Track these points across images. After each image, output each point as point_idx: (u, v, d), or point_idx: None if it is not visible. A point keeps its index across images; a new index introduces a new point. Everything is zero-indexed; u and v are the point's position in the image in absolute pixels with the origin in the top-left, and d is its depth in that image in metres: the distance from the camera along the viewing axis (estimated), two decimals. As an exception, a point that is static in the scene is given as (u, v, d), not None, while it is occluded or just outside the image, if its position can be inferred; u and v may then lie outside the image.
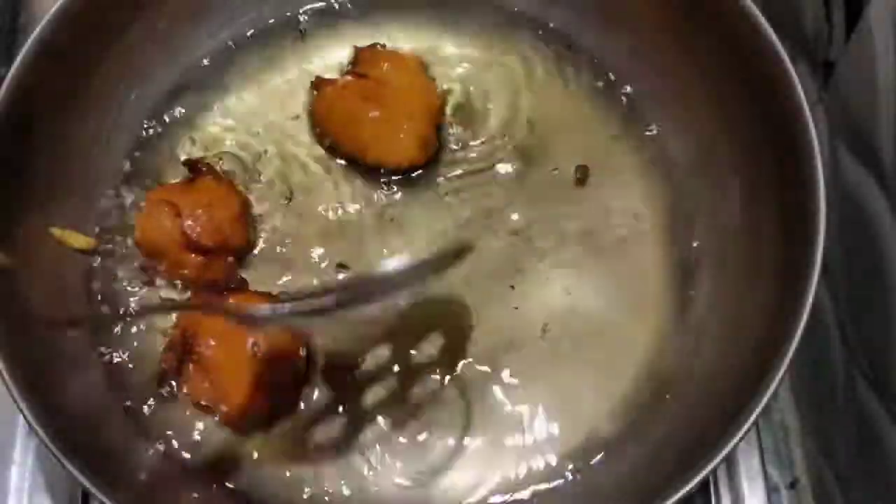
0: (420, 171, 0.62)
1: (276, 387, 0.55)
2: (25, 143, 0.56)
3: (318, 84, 0.63)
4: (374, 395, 0.58)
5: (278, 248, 0.61)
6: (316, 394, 0.58)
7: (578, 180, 0.62)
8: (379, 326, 0.59)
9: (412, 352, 0.59)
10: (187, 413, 0.56)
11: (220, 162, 0.62)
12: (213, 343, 0.55)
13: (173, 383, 0.56)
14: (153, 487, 0.54)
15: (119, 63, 0.62)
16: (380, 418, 0.57)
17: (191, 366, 0.55)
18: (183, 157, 0.62)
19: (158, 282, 0.60)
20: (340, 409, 0.57)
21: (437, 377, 0.58)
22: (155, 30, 0.63)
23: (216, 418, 0.56)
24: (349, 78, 0.62)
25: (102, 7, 0.59)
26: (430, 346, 0.59)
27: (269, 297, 0.58)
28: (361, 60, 0.63)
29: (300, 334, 0.57)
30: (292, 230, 0.62)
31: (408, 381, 0.58)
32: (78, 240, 0.59)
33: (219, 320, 0.54)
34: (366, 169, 0.62)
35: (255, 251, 0.61)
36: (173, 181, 0.62)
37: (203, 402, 0.56)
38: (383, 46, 0.63)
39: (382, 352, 0.58)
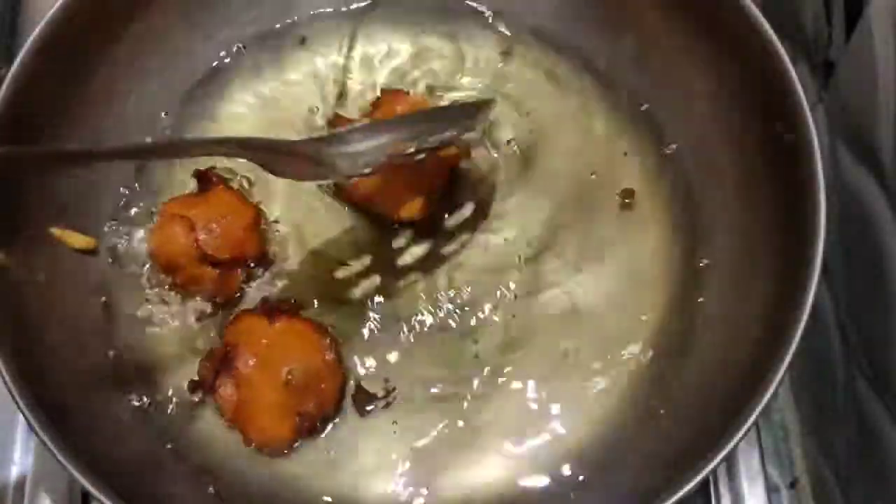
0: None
1: (302, 416, 0.55)
2: (25, 143, 0.56)
3: (335, 121, 0.62)
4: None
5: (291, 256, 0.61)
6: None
7: (625, 204, 0.62)
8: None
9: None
10: (203, 423, 0.57)
11: (238, 178, 0.62)
12: (251, 362, 0.55)
13: (202, 392, 0.57)
14: (154, 487, 0.54)
15: (119, 63, 0.62)
16: (379, 419, 0.57)
17: (226, 380, 0.55)
18: (193, 169, 0.61)
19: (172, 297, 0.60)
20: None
21: (435, 376, 0.58)
22: (155, 30, 0.63)
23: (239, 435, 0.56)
24: (366, 120, 0.61)
25: (102, 7, 0.59)
26: (427, 346, 0.59)
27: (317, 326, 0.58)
28: (383, 102, 0.61)
29: (337, 367, 0.57)
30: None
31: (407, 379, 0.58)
32: (78, 240, 0.59)
33: (262, 339, 0.55)
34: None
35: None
36: (186, 192, 0.61)
37: (229, 419, 0.56)
38: (408, 93, 0.62)
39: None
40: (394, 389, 0.57)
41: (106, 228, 0.61)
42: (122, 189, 0.62)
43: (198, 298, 0.59)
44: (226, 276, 0.58)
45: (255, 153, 0.52)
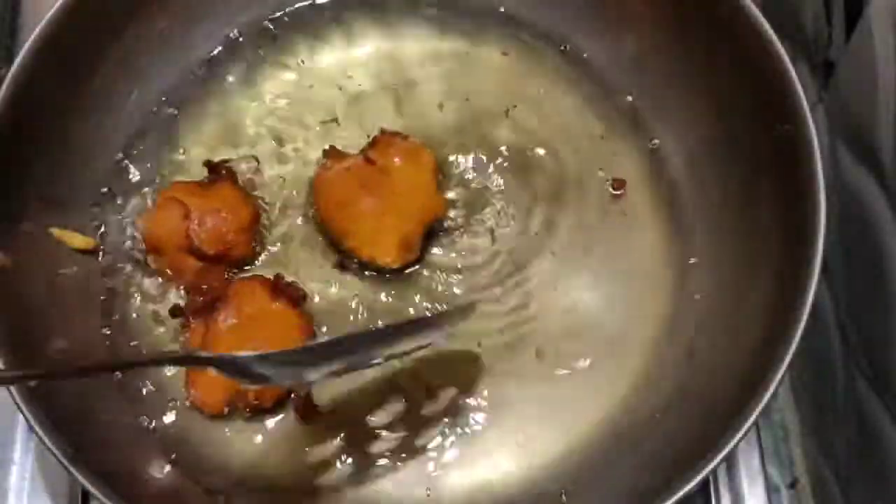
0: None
1: (238, 396, 0.55)
2: (25, 143, 0.57)
3: (330, 154, 0.61)
4: (371, 396, 0.58)
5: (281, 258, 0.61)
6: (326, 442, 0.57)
7: (614, 196, 0.62)
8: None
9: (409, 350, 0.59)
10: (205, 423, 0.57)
11: (255, 165, 0.62)
12: (229, 322, 0.56)
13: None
14: (154, 487, 0.54)
15: (119, 63, 0.62)
16: (380, 419, 0.57)
17: (199, 322, 0.56)
18: (204, 159, 0.61)
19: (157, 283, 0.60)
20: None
21: (435, 377, 0.58)
22: (155, 30, 0.63)
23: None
24: (358, 159, 0.60)
25: (102, 7, 0.59)
26: (428, 348, 0.59)
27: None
28: (377, 143, 0.60)
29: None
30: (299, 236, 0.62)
31: (405, 381, 0.58)
32: (77, 240, 0.59)
33: (254, 308, 0.56)
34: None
35: (258, 261, 0.61)
36: (194, 180, 0.61)
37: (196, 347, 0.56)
38: (405, 138, 0.61)
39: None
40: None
41: (107, 231, 0.61)
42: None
43: (181, 291, 0.59)
44: (208, 271, 0.58)
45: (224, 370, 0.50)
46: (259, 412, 0.56)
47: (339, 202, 0.59)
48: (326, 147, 0.61)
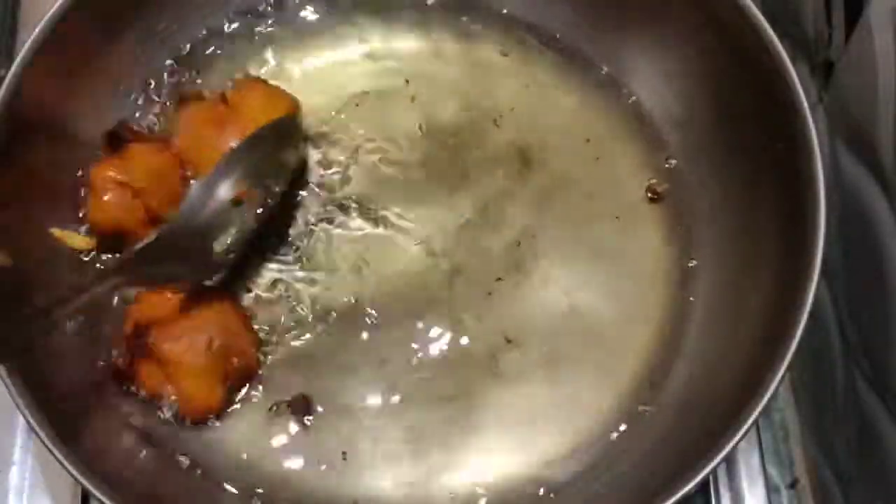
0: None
1: (230, 375, 0.56)
2: (25, 144, 0.56)
3: (191, 96, 0.61)
4: (371, 395, 0.58)
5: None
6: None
7: (651, 199, 0.62)
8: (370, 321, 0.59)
9: (409, 347, 0.59)
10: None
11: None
12: (167, 337, 0.54)
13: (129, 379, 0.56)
14: (154, 487, 0.54)
15: (119, 63, 0.62)
16: (379, 418, 0.57)
17: (145, 361, 0.55)
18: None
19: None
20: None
21: (435, 377, 0.58)
22: (155, 30, 0.63)
23: (170, 405, 0.55)
24: (216, 99, 0.60)
25: (102, 7, 0.59)
26: (427, 346, 0.59)
27: None
28: (237, 85, 0.61)
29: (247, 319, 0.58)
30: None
31: (404, 380, 0.58)
32: (77, 240, 0.59)
33: (170, 313, 0.55)
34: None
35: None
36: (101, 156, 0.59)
37: (158, 395, 0.55)
38: (266, 83, 0.62)
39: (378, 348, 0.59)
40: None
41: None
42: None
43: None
44: None
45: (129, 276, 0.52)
46: (245, 380, 0.57)
47: (195, 137, 0.60)
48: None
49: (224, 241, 0.56)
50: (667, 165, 0.63)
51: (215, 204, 0.56)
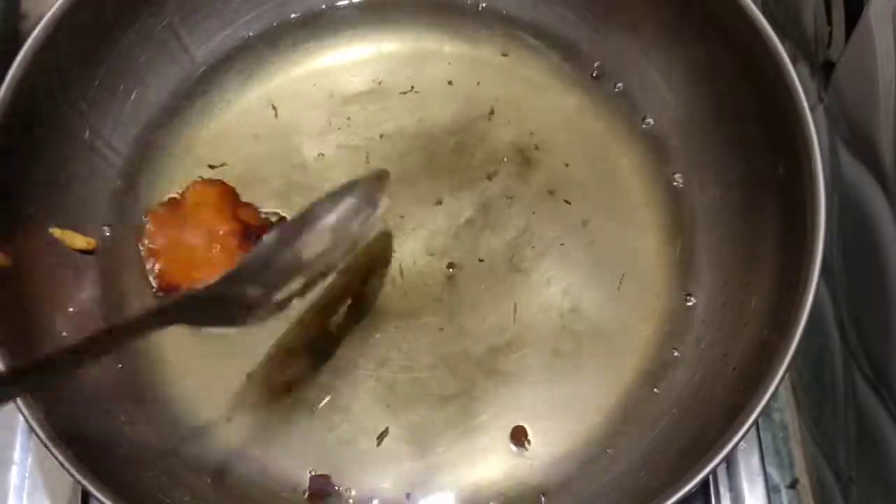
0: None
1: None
2: (25, 144, 0.56)
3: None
4: (371, 394, 0.58)
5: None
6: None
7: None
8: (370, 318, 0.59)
9: (407, 348, 0.59)
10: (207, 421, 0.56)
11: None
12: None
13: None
14: (154, 487, 0.54)
15: (119, 63, 0.62)
16: (379, 417, 0.57)
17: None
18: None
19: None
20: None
21: (435, 377, 0.58)
22: (155, 30, 0.63)
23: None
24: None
25: (102, 7, 0.59)
26: (428, 346, 0.59)
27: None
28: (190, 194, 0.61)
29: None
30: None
31: (403, 380, 0.58)
32: (78, 240, 0.59)
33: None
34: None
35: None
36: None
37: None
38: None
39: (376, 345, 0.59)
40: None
41: (107, 232, 0.61)
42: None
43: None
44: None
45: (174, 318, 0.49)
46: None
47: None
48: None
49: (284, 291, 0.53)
50: (667, 165, 0.63)
51: (286, 258, 0.52)
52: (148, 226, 0.60)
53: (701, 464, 0.49)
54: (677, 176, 0.62)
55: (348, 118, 0.64)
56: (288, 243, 0.52)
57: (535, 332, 0.59)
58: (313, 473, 0.56)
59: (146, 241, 0.59)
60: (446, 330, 0.59)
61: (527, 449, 0.56)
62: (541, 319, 0.60)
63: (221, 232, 0.59)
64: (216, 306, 0.50)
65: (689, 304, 0.59)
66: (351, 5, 0.67)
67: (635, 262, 0.61)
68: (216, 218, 0.59)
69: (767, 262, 0.55)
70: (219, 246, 0.59)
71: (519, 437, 0.57)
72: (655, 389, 0.58)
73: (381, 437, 0.57)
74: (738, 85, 0.58)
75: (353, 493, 0.56)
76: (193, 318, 0.49)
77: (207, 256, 0.58)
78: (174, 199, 0.61)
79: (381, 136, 0.64)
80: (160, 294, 0.59)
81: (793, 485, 0.63)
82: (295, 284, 0.52)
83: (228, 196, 0.61)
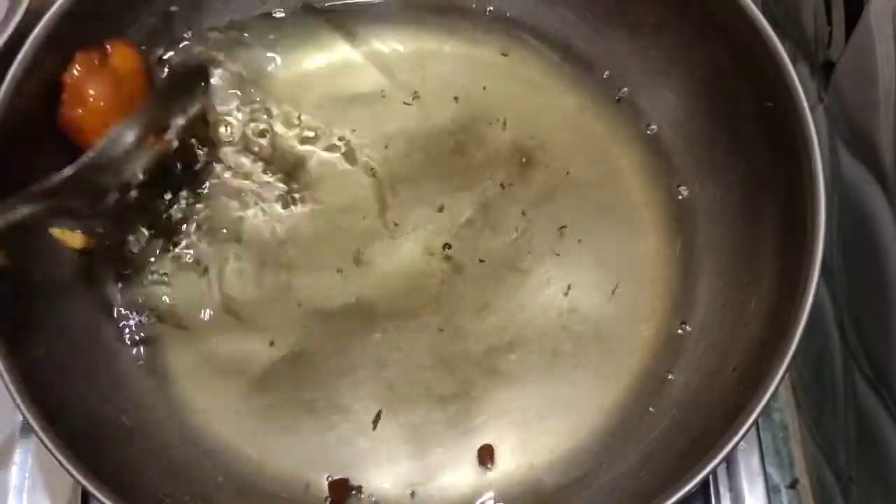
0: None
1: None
2: (25, 144, 0.56)
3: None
4: (371, 395, 0.58)
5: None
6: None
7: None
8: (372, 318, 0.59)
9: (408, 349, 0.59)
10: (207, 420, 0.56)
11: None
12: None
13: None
14: (154, 487, 0.54)
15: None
16: (379, 418, 0.57)
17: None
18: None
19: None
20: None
21: (435, 377, 0.58)
22: (155, 30, 0.63)
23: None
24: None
25: (103, 7, 0.59)
26: (428, 346, 0.59)
27: None
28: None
29: None
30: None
31: (402, 380, 0.58)
32: (78, 240, 0.59)
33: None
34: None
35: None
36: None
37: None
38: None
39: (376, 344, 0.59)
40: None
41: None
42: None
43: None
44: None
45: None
46: None
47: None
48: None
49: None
50: (667, 165, 0.63)
51: (127, 146, 0.57)
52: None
53: (701, 464, 0.49)
54: (677, 176, 0.62)
55: (347, 119, 0.64)
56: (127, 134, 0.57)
57: (534, 333, 0.59)
58: (330, 479, 0.56)
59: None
60: (446, 330, 0.59)
61: (490, 470, 0.56)
62: (541, 320, 0.60)
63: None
64: (72, 194, 0.54)
65: (689, 304, 0.59)
66: (349, 6, 0.67)
67: (635, 263, 0.61)
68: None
69: (767, 263, 0.55)
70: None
71: (484, 457, 0.56)
72: (655, 389, 0.58)
73: (380, 438, 0.57)
74: (738, 85, 0.58)
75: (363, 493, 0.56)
76: (51, 208, 0.54)
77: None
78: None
79: (381, 136, 0.64)
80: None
81: (793, 485, 0.63)
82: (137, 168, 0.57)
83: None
